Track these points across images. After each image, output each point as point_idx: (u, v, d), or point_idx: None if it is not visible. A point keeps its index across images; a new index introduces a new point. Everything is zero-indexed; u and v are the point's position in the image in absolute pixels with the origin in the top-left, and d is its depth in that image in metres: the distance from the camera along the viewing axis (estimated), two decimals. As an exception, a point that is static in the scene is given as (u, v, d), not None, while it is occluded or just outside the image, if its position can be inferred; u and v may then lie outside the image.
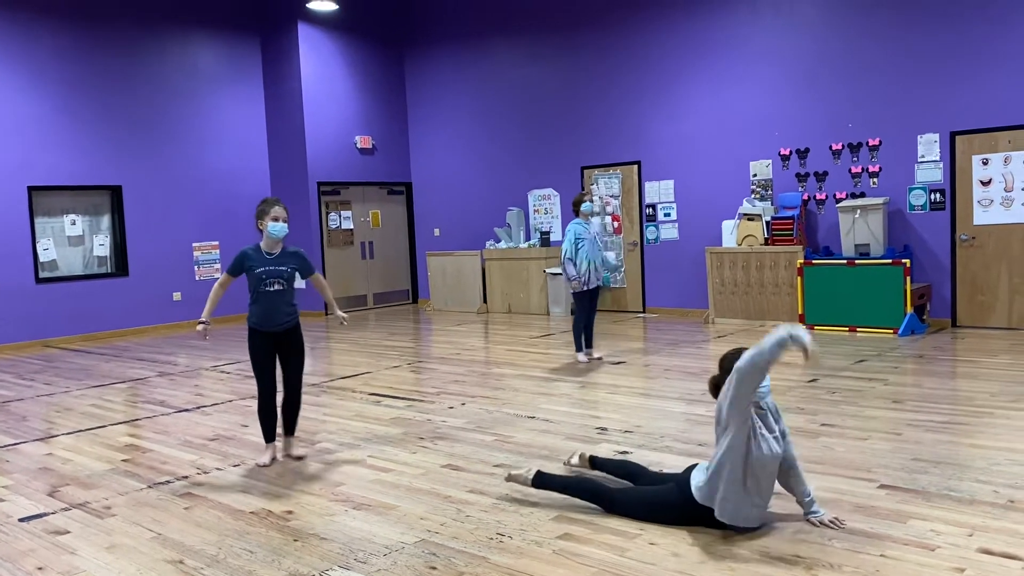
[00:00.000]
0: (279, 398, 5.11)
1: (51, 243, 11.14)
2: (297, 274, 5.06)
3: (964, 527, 3.57)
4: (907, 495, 3.99)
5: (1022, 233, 8.56)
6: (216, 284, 5.09)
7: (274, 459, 5.07)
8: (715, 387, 3.72)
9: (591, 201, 8.12)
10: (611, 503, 3.87)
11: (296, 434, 5.25)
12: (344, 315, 5.42)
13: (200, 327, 5.08)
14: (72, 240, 11.38)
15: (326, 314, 5.74)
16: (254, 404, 5.00)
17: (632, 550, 3.50)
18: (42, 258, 11.02)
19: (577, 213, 7.99)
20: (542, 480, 4.10)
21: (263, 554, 3.66)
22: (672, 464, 4.62)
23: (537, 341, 9.50)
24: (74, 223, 11.36)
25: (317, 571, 3.45)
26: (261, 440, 5.36)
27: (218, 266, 12.55)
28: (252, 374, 5.09)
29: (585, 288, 7.87)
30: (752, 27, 10.19)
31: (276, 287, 4.94)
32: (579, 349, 8.05)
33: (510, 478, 4.24)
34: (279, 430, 5.18)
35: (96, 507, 4.39)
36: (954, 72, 8.83)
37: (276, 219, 4.94)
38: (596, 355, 8.12)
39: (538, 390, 6.83)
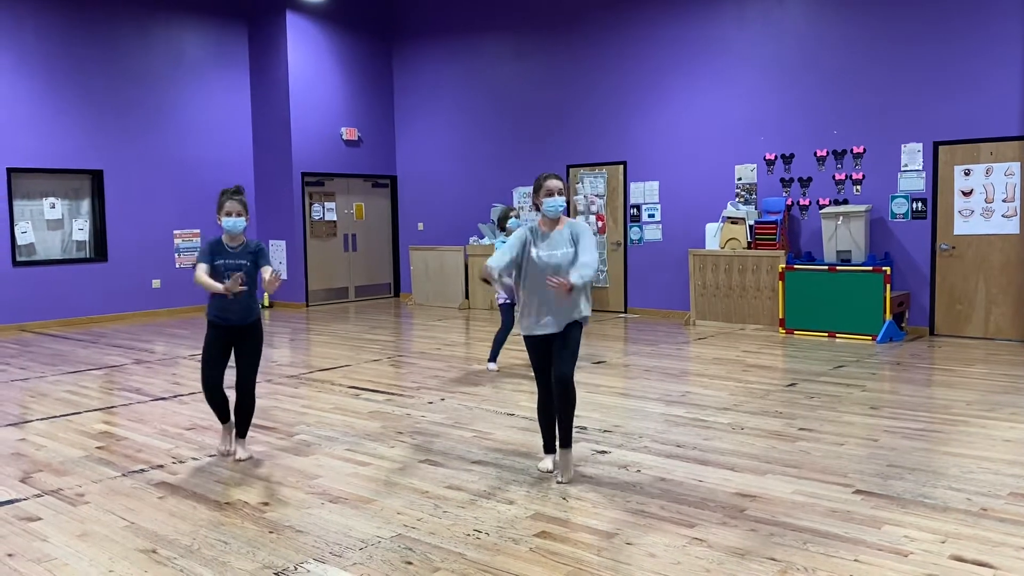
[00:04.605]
0: (231, 397, 4.94)
1: (29, 226, 11.00)
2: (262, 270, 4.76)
3: (937, 534, 3.61)
4: (882, 501, 4.02)
5: (1001, 244, 8.65)
6: (200, 273, 4.74)
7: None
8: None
9: (517, 217, 7.76)
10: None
11: (246, 436, 5.00)
12: (273, 275, 4.67)
13: (234, 278, 4.53)
14: (51, 224, 11.24)
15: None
16: (232, 395, 4.94)
17: (608, 549, 3.50)
18: (20, 241, 10.89)
19: (503, 229, 7.65)
20: None
21: (238, 545, 3.63)
22: (650, 464, 4.64)
23: (517, 338, 9.46)
24: (53, 206, 11.23)
25: (292, 564, 3.43)
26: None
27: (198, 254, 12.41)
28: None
29: (510, 302, 7.47)
30: (740, 32, 10.22)
31: None
32: (492, 360, 7.64)
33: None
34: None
35: (69, 494, 4.35)
36: (938, 83, 8.90)
37: (229, 214, 4.72)
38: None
39: (518, 387, 6.83)
